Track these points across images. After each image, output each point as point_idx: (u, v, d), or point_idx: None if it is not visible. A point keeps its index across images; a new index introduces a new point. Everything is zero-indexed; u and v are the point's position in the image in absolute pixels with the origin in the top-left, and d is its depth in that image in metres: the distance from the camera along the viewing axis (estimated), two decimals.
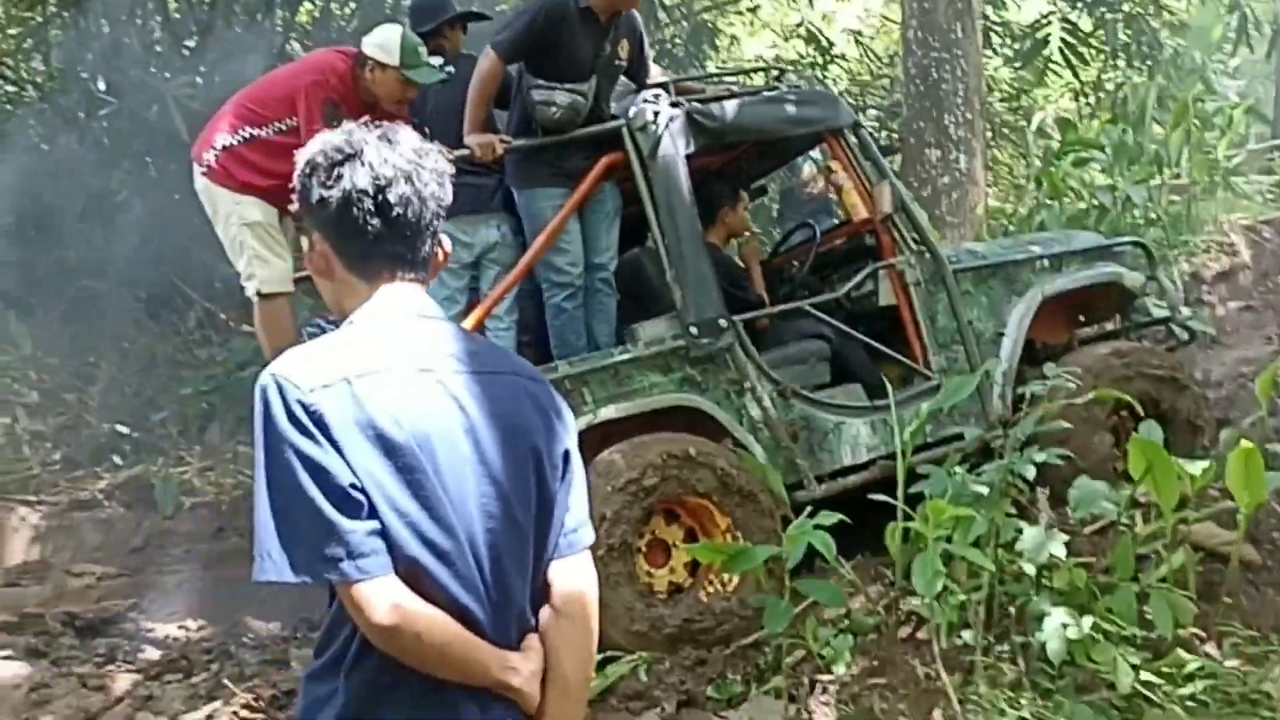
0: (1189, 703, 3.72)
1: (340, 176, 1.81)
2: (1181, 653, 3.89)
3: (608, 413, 4.57)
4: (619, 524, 4.36)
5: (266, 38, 10.23)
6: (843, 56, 12.94)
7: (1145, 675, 3.71)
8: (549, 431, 1.86)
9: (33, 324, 9.41)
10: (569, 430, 1.92)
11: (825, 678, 4.19)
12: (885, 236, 5.25)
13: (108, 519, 7.16)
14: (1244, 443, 4.13)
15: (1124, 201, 8.86)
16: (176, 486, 7.59)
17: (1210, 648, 4.10)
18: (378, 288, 1.86)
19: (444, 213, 1.90)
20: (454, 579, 1.71)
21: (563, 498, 1.87)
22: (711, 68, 11.53)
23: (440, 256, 1.93)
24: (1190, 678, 3.81)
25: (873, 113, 12.04)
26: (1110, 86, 11.57)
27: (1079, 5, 11.35)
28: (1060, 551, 3.85)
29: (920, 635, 4.34)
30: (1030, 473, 4.01)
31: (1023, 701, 3.83)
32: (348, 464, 1.64)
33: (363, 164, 1.81)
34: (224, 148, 4.57)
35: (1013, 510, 4.23)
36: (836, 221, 6.59)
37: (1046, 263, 5.53)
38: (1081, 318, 6.03)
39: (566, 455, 1.89)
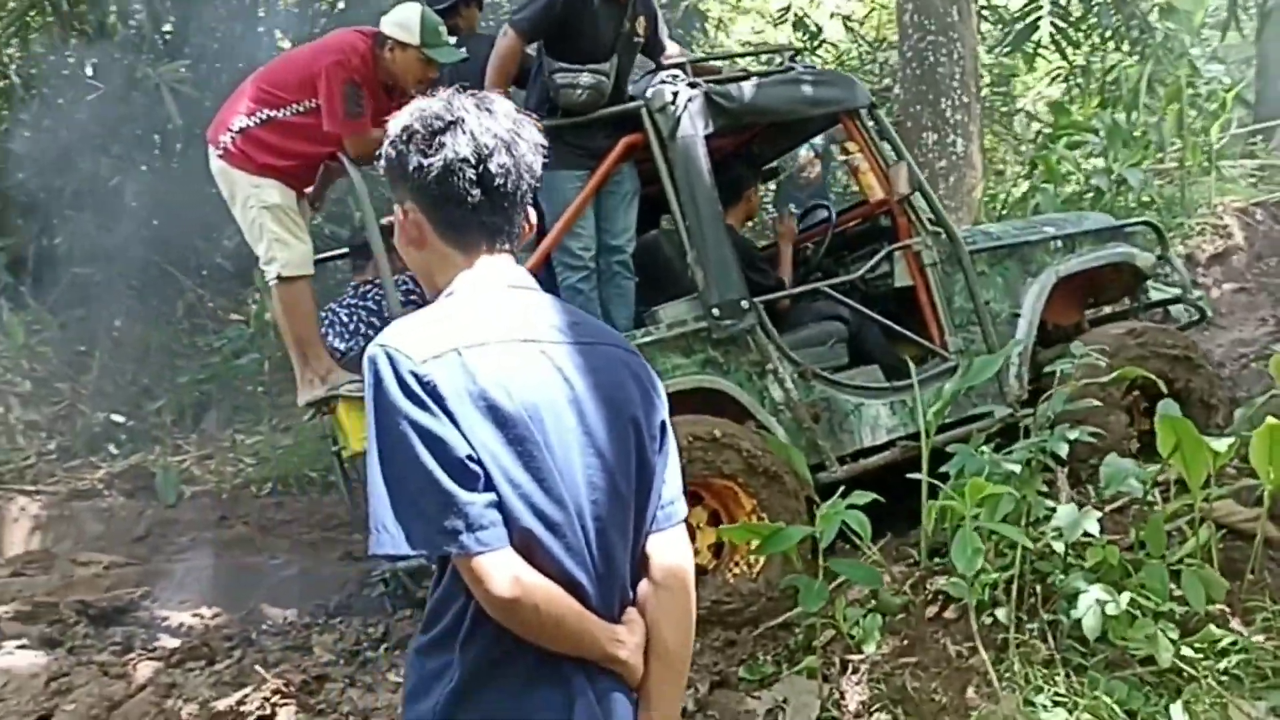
0: (1223, 677, 3.75)
1: (442, 145, 1.78)
2: (1213, 628, 3.91)
3: None
4: None
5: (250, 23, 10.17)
6: (831, 41, 12.94)
7: (1182, 651, 3.72)
8: (647, 403, 1.85)
9: (24, 313, 9.28)
10: (663, 402, 1.90)
11: (855, 657, 4.19)
12: (901, 218, 5.26)
13: (108, 508, 7.08)
14: (1270, 420, 4.14)
15: (1119, 184, 8.92)
16: (177, 475, 7.53)
17: (1236, 624, 4.13)
18: (474, 258, 1.83)
19: (537, 183, 1.88)
20: (565, 551, 1.69)
21: (660, 470, 1.86)
22: (699, 52, 11.50)
23: (526, 228, 1.90)
24: (1223, 653, 3.83)
25: None
26: (1098, 71, 11.62)
27: None
28: (1094, 528, 3.86)
29: (948, 614, 4.35)
30: (1064, 450, 4.02)
31: (1056, 679, 3.85)
32: (463, 435, 1.62)
33: (464, 132, 1.78)
34: (241, 130, 4.51)
35: (1043, 488, 4.24)
36: (810, 207, 6.59)
37: (1060, 244, 5.55)
38: (1090, 299, 6.06)
39: (663, 426, 1.87)
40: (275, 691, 4.04)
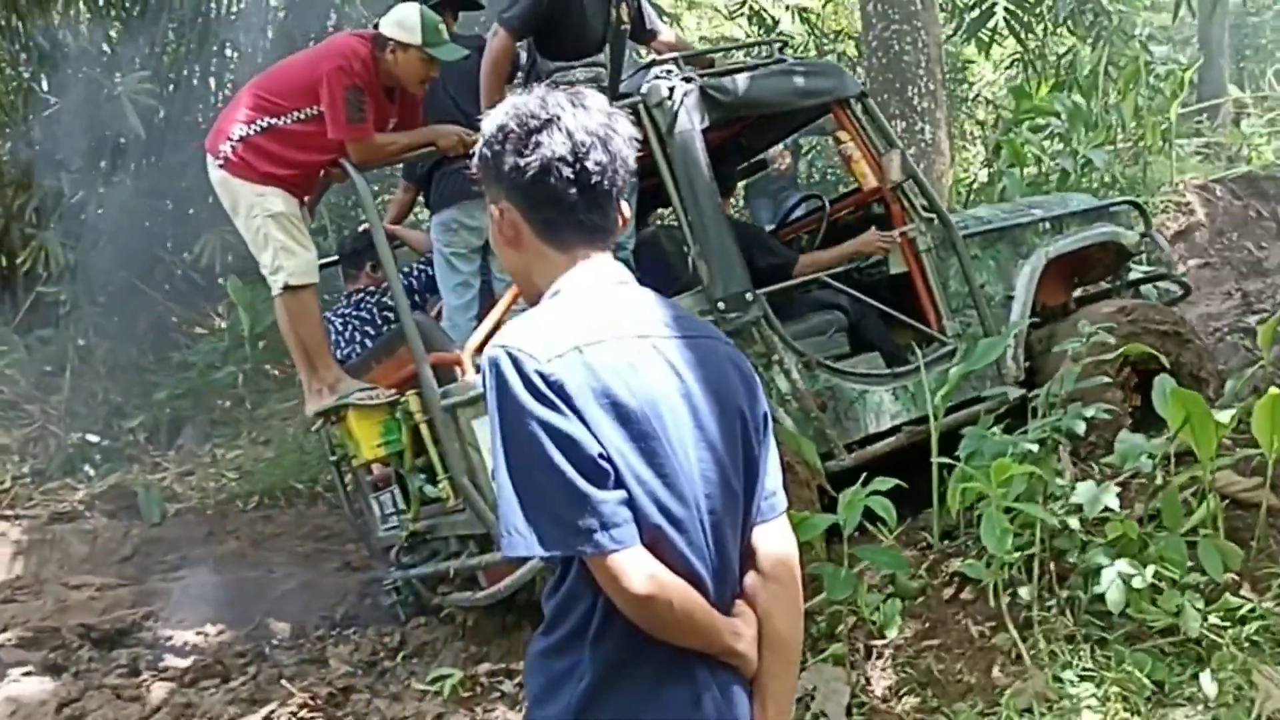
0: (1244, 645, 3.82)
1: (538, 144, 1.76)
2: (1230, 597, 3.98)
3: None
4: None
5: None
6: (786, 34, 12.97)
7: (1208, 620, 3.78)
8: (751, 395, 1.85)
9: None
10: (763, 393, 1.90)
11: (879, 643, 4.22)
12: (895, 205, 5.30)
13: (92, 529, 6.94)
14: (1273, 389, 4.22)
15: (1084, 166, 9.06)
16: (159, 493, 7.41)
17: (1246, 592, 4.21)
18: (575, 257, 1.81)
19: (632, 177, 1.87)
20: (688, 547, 1.69)
21: (764, 461, 1.86)
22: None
23: (621, 222, 1.89)
24: (1242, 621, 3.90)
25: None
26: (1052, 55, 11.78)
27: None
28: (1114, 504, 3.91)
29: (965, 595, 4.39)
30: (1081, 428, 4.08)
31: (1081, 654, 3.90)
32: (592, 433, 1.61)
33: (560, 130, 1.76)
34: (241, 139, 4.44)
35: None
36: (803, 197, 6.62)
37: (1048, 225, 5.62)
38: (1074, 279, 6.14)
39: (765, 418, 1.87)
40: (302, 705, 4.01)
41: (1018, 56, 11.99)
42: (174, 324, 9.84)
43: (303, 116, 4.44)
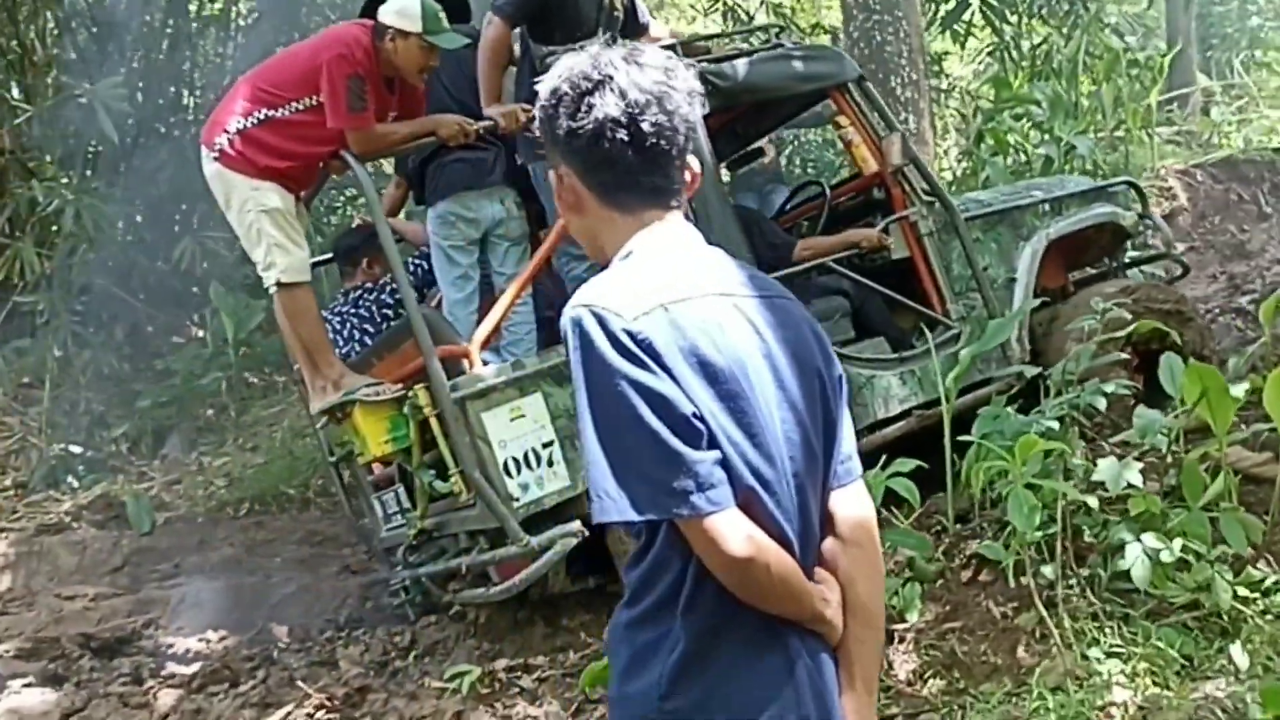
0: (1269, 617, 3.81)
1: (591, 106, 1.70)
2: (1253, 570, 3.97)
3: None
4: None
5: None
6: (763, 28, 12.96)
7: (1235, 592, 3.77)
8: (826, 356, 1.80)
9: None
10: (835, 355, 1.85)
11: (899, 627, 4.19)
12: (896, 189, 5.27)
13: (81, 540, 6.80)
14: None
15: (1068, 152, 9.09)
16: (147, 502, 7.28)
17: (1263, 566, 4.20)
18: (641, 219, 1.76)
19: (695, 134, 1.81)
20: (778, 508, 1.64)
21: (840, 424, 1.81)
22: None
23: (689, 178, 1.83)
24: (1266, 593, 3.89)
25: None
26: (1026, 45, 11.84)
27: None
28: (1137, 480, 3.88)
29: (983, 577, 4.36)
30: (1102, 404, 4.05)
31: (1106, 631, 3.87)
32: (683, 392, 1.55)
33: (612, 91, 1.70)
34: (239, 130, 4.35)
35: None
36: (788, 190, 6.60)
37: (1048, 207, 5.61)
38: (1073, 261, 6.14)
39: (841, 380, 1.82)
40: (318, 706, 3.93)
41: (991, 49, 12.03)
42: (153, 331, 9.70)
43: (302, 107, 4.35)
